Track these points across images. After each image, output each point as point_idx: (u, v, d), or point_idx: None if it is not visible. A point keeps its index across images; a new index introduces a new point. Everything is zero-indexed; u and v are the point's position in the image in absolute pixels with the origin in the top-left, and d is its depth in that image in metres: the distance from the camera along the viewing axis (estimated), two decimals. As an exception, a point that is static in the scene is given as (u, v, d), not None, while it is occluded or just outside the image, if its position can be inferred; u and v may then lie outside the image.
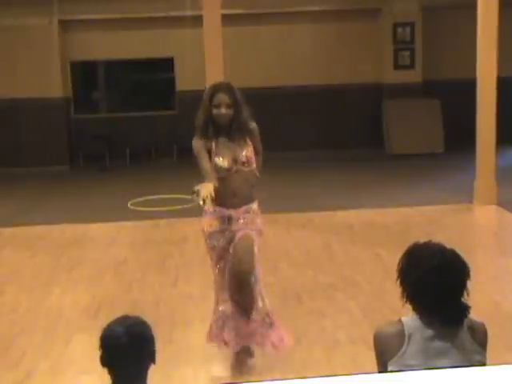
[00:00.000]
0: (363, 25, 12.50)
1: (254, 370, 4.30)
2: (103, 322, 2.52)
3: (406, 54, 12.51)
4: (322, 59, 12.45)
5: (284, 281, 5.98)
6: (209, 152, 4.04)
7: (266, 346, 4.24)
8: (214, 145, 4.05)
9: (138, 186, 10.34)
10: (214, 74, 7.57)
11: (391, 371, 2.45)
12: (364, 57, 12.46)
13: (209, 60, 7.83)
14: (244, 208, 4.10)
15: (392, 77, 12.51)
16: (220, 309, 4.19)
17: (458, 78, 11.69)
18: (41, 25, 11.87)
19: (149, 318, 2.54)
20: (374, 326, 2.65)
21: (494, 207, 8.20)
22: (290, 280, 6.00)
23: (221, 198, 3.90)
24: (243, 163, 4.07)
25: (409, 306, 2.53)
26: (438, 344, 2.45)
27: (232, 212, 4.08)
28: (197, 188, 3.72)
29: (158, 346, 2.45)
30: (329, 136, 12.56)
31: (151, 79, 13.06)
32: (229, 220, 4.09)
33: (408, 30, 12.44)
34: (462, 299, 2.48)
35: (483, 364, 2.45)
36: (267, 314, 4.22)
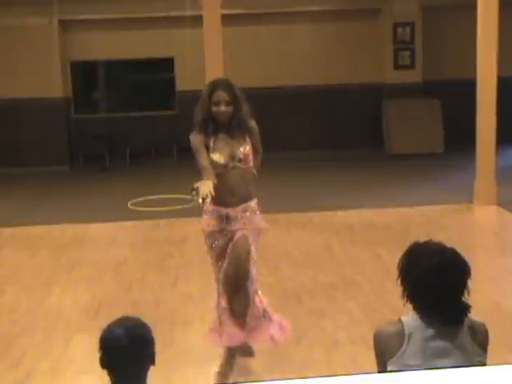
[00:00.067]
0: (363, 25, 12.51)
1: (250, 369, 4.30)
2: (103, 322, 2.52)
3: (406, 53, 12.52)
4: (322, 59, 12.46)
5: (284, 281, 5.99)
6: (207, 148, 4.02)
7: (266, 341, 4.24)
8: (212, 141, 4.03)
9: (138, 186, 10.35)
10: (214, 74, 7.55)
11: (391, 371, 2.45)
12: (364, 57, 12.47)
13: (209, 60, 7.84)
14: (242, 206, 4.08)
15: (392, 77, 12.52)
16: (221, 305, 4.18)
17: (458, 77, 11.69)
18: (41, 25, 11.87)
19: (149, 318, 2.54)
20: (375, 326, 2.65)
21: (494, 207, 8.20)
22: (290, 280, 6.00)
23: (218, 196, 3.86)
24: (240, 160, 4.03)
25: (409, 306, 2.53)
26: (437, 344, 2.44)
27: (230, 211, 4.06)
28: (196, 185, 3.69)
29: (158, 346, 2.45)
30: (329, 136, 12.56)
31: (151, 79, 13.07)
32: (227, 219, 4.07)
33: (408, 30, 12.44)
34: (463, 298, 2.48)
35: (483, 365, 2.45)
36: (265, 310, 4.23)
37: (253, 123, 4.15)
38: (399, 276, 2.55)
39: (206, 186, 3.68)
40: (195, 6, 9.51)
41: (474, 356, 2.46)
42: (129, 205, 9.08)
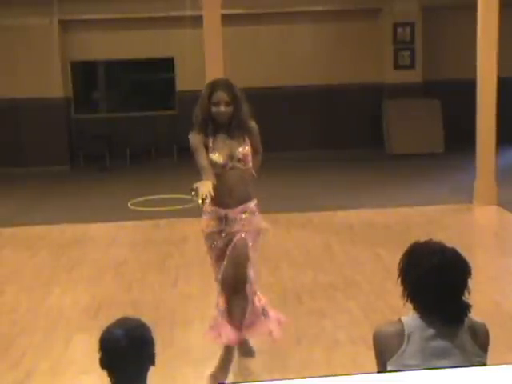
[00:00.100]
0: (363, 25, 12.51)
1: (250, 369, 4.31)
2: (103, 321, 2.52)
3: (406, 54, 12.52)
4: (322, 59, 12.47)
5: (284, 281, 5.99)
6: (206, 148, 4.00)
7: (264, 335, 4.27)
8: (211, 141, 4.02)
9: (138, 186, 10.35)
10: (214, 74, 7.55)
11: (390, 371, 2.45)
12: (364, 57, 12.47)
13: (209, 60, 7.84)
14: (240, 207, 4.06)
15: (392, 77, 12.53)
16: (219, 307, 4.18)
17: (458, 78, 11.70)
18: (41, 25, 11.88)
19: (149, 318, 2.54)
20: (374, 326, 2.65)
21: (494, 207, 8.20)
22: (290, 280, 6.00)
23: (217, 197, 3.84)
24: (239, 160, 4.01)
25: (409, 306, 2.53)
26: (437, 343, 2.44)
27: (228, 212, 4.05)
28: (195, 186, 3.68)
29: (158, 347, 2.45)
30: (329, 136, 12.57)
31: (151, 79, 13.09)
32: (226, 220, 4.06)
33: (408, 30, 12.45)
34: (463, 298, 2.48)
35: (483, 365, 2.44)
36: (263, 308, 4.25)
37: (253, 123, 4.13)
38: (399, 275, 2.55)
39: (206, 187, 3.67)
40: (195, 6, 9.51)
41: (473, 356, 2.46)
42: (129, 205, 9.08)
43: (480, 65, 8.11)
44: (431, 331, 2.45)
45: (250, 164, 4.09)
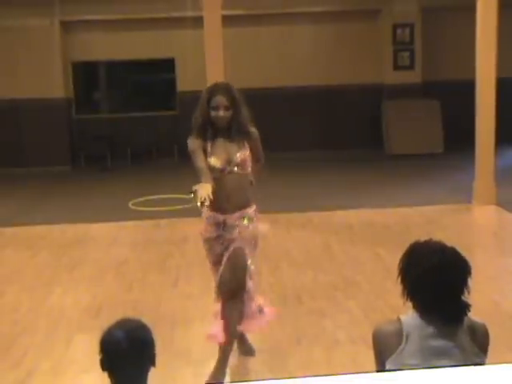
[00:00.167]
0: (363, 26, 12.53)
1: (249, 369, 4.33)
2: (104, 321, 2.53)
3: (406, 54, 12.54)
4: (322, 60, 12.48)
5: (284, 281, 6.00)
6: (205, 152, 3.98)
7: (254, 331, 4.32)
8: (209, 145, 4.00)
9: (139, 186, 10.37)
10: (215, 75, 7.59)
11: (389, 370, 2.46)
12: (364, 58, 12.49)
13: (209, 61, 7.85)
14: (239, 213, 4.03)
15: (391, 77, 12.55)
16: (218, 307, 4.19)
17: (458, 78, 11.71)
18: (42, 26, 11.90)
19: (149, 318, 2.56)
20: (374, 325, 2.66)
21: (493, 207, 8.22)
22: (290, 280, 6.01)
23: (215, 202, 3.81)
24: (237, 165, 3.99)
25: (409, 305, 2.54)
26: (436, 343, 2.45)
27: (227, 218, 4.02)
28: (194, 188, 3.67)
29: (158, 346, 2.45)
30: (328, 136, 12.59)
31: (152, 80, 13.11)
32: (224, 226, 4.04)
33: (407, 31, 12.47)
34: (463, 297, 2.49)
35: (482, 365, 2.45)
36: (259, 307, 4.28)
37: (253, 129, 4.10)
38: (399, 274, 2.55)
39: (205, 190, 3.65)
40: (196, 7, 9.53)
41: (472, 356, 2.46)
42: (130, 205, 9.09)
43: (479, 65, 8.13)
44: (430, 330, 2.46)
45: (249, 169, 4.07)
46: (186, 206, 8.18)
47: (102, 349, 2.37)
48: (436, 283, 2.45)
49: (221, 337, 4.12)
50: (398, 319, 2.52)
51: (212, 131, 4.01)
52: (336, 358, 4.40)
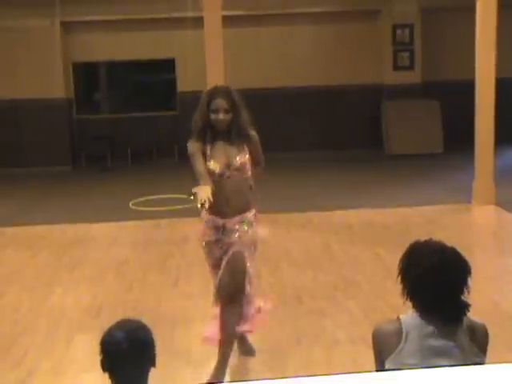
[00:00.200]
0: (363, 26, 12.54)
1: (250, 368, 4.34)
2: (105, 321, 2.54)
3: (406, 55, 12.55)
4: (321, 60, 12.50)
5: (284, 281, 6.01)
6: (204, 155, 3.97)
7: (252, 331, 4.32)
8: (209, 148, 3.99)
9: (140, 186, 10.38)
10: (215, 75, 7.62)
11: (388, 369, 2.46)
12: (364, 58, 12.51)
13: (210, 61, 7.86)
14: (238, 217, 4.02)
15: (391, 78, 12.56)
16: (216, 311, 4.18)
17: (457, 79, 11.73)
18: (43, 26, 11.92)
19: (149, 318, 2.57)
20: (374, 325, 2.67)
21: (492, 207, 8.23)
22: (289, 280, 6.02)
23: (214, 205, 3.80)
24: (236, 169, 3.98)
25: (409, 304, 2.55)
26: (436, 342, 2.46)
27: (226, 222, 4.01)
28: (194, 190, 3.67)
29: (159, 346, 2.46)
30: (328, 136, 12.60)
31: (153, 80, 13.13)
32: (223, 230, 4.03)
33: (407, 31, 12.48)
34: (462, 297, 2.49)
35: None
36: (259, 309, 4.29)
37: (253, 132, 4.09)
38: (399, 274, 2.56)
39: (205, 192, 3.64)
40: (196, 7, 9.54)
41: (472, 356, 2.47)
42: (130, 205, 9.10)
43: (478, 66, 8.14)
44: (430, 330, 2.47)
45: (249, 173, 4.05)
46: (186, 205, 8.19)
47: (103, 349, 2.38)
48: (436, 283, 2.46)
49: (216, 340, 4.12)
50: (398, 319, 2.53)
51: (211, 134, 4.00)
52: (336, 357, 4.41)
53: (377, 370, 2.54)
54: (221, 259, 4.06)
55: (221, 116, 3.96)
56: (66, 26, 12.21)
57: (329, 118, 12.67)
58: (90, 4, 11.71)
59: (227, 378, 4.08)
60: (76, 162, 12.49)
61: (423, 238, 2.62)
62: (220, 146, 4.01)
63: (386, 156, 12.24)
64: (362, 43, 12.49)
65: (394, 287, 2.68)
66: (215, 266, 4.11)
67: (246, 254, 4.05)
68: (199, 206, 3.61)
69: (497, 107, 8.16)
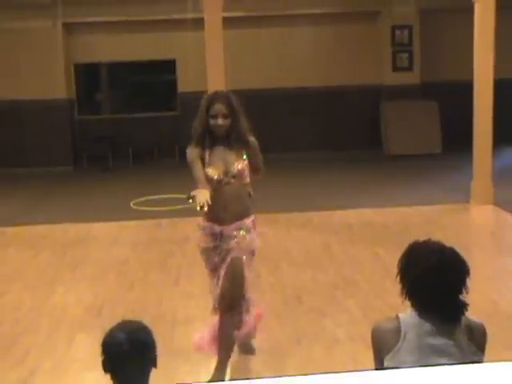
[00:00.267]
0: (362, 27, 12.56)
1: (250, 367, 4.36)
2: (106, 320, 2.57)
3: (405, 56, 12.58)
4: (321, 61, 12.52)
5: (284, 280, 6.03)
6: (203, 161, 3.96)
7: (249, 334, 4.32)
8: (207, 154, 3.98)
9: (141, 186, 10.39)
10: (215, 76, 7.66)
11: (387, 367, 2.48)
12: (363, 59, 12.53)
13: (210, 62, 7.88)
14: (235, 224, 4.01)
15: (390, 79, 12.58)
16: (216, 319, 4.16)
17: (456, 79, 11.76)
18: (45, 27, 11.95)
19: (150, 317, 2.58)
20: (373, 323, 2.69)
21: (490, 207, 8.25)
22: (289, 279, 6.04)
23: (212, 212, 3.81)
24: (234, 176, 3.97)
25: (408, 304, 2.57)
26: (434, 341, 2.47)
27: (224, 229, 4.01)
28: (192, 194, 3.67)
29: (159, 345, 2.47)
30: (328, 137, 12.63)
31: (153, 81, 13.14)
32: (221, 237, 4.02)
33: (406, 32, 12.50)
34: (461, 297, 2.51)
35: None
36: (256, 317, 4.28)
37: (252, 138, 4.08)
38: (398, 274, 2.58)
39: (203, 195, 3.64)
40: (197, 8, 9.56)
41: (470, 355, 2.48)
42: (131, 204, 9.11)
43: (477, 67, 8.17)
44: (428, 329, 2.48)
45: (248, 179, 4.05)
46: (186, 205, 8.22)
47: (104, 351, 2.39)
48: (434, 283, 2.48)
49: (209, 349, 4.12)
50: (397, 317, 2.55)
51: (210, 140, 4.00)
52: (336, 356, 4.43)
53: (376, 369, 2.56)
54: (219, 266, 4.05)
55: (220, 121, 3.96)
56: (68, 28, 12.24)
57: (328, 118, 12.70)
58: (91, 5, 11.74)
59: (227, 377, 4.10)
60: (77, 162, 12.51)
61: (422, 237, 2.64)
62: (219, 151, 4.00)
63: (385, 156, 12.26)
64: (362, 44, 12.51)
65: (393, 286, 2.70)
66: (213, 270, 4.11)
67: (244, 260, 4.04)
68: (198, 208, 3.62)
69: (495, 108, 8.19)
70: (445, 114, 12.11)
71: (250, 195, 4.13)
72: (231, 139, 4.00)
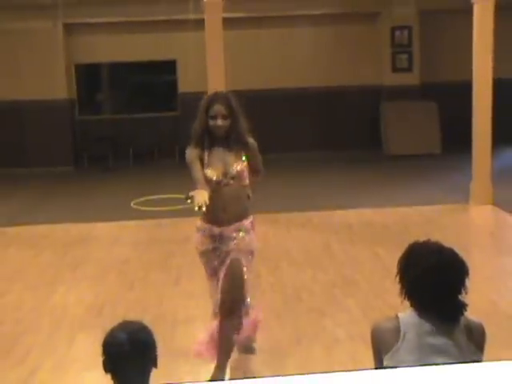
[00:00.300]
0: (362, 28, 12.58)
1: (250, 367, 4.37)
2: (106, 320, 2.57)
3: (404, 57, 12.59)
4: (321, 62, 12.54)
5: (284, 280, 6.04)
6: (202, 162, 3.96)
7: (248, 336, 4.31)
8: (206, 155, 3.98)
9: (141, 186, 10.40)
10: (216, 77, 7.67)
11: (386, 367, 2.49)
12: (363, 59, 12.54)
13: (210, 62, 7.90)
14: (234, 226, 4.01)
15: (390, 79, 12.60)
16: (215, 324, 4.14)
17: (455, 80, 11.77)
18: (45, 28, 11.96)
19: (151, 317, 2.58)
20: (373, 323, 2.70)
21: (489, 207, 8.26)
22: (290, 279, 6.05)
23: (211, 213, 3.81)
24: (233, 177, 3.96)
25: (407, 303, 2.58)
26: (433, 341, 2.48)
27: (222, 230, 4.00)
28: (191, 194, 3.68)
29: (160, 344, 2.48)
30: (328, 137, 12.64)
31: (154, 81, 13.16)
32: (220, 238, 4.02)
33: (406, 33, 12.52)
34: (460, 297, 2.52)
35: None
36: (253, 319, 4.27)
37: (251, 140, 4.08)
38: (398, 274, 2.59)
39: (201, 195, 3.64)
40: (197, 9, 9.56)
41: (469, 354, 2.49)
42: (132, 204, 9.13)
43: (476, 68, 8.19)
44: (427, 328, 2.49)
45: (247, 181, 4.04)
46: (186, 206, 8.24)
47: (105, 351, 2.40)
48: (434, 283, 2.49)
49: (206, 354, 4.12)
50: (396, 317, 2.56)
51: (210, 140, 4.00)
52: (335, 356, 4.44)
53: (376, 368, 2.58)
54: (218, 268, 4.04)
55: (219, 122, 3.96)
56: (68, 28, 12.26)
57: (328, 118, 12.71)
58: (91, 6, 11.75)
59: (227, 376, 4.11)
60: (78, 163, 12.53)
61: (422, 237, 2.65)
62: (218, 152, 4.00)
63: (385, 156, 12.28)
64: (362, 45, 12.52)
65: (392, 286, 2.71)
66: (213, 274, 4.09)
67: (244, 262, 4.03)
68: (196, 209, 3.62)
69: (494, 108, 8.21)
70: (444, 114, 12.12)
71: (248, 197, 4.12)
72: (230, 140, 4.00)
